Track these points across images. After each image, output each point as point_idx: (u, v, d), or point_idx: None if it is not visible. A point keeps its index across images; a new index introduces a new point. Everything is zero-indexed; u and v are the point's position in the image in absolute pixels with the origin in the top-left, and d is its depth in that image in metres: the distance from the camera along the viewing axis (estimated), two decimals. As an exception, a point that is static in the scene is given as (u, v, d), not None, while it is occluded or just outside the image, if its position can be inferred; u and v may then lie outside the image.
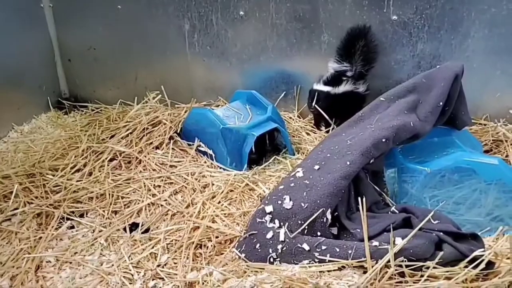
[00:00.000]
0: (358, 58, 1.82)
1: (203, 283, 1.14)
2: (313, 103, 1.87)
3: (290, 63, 2.07)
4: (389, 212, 1.30)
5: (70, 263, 1.28)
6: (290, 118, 2.11)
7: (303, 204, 1.19)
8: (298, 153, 1.84)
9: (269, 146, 1.84)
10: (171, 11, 2.09)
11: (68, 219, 1.47)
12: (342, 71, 1.84)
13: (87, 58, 2.32)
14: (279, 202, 1.22)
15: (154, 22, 2.14)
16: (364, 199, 1.09)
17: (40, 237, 1.37)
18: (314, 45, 2.00)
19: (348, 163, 1.26)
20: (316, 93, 1.86)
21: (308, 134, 2.00)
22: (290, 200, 1.22)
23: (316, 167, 1.29)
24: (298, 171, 1.31)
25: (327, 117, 1.88)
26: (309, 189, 1.22)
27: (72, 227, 1.44)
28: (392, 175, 1.46)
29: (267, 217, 1.20)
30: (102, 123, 2.05)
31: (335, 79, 1.86)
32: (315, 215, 1.17)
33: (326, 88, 1.86)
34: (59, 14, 2.25)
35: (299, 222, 1.17)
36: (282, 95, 2.12)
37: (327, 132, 1.93)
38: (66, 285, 1.19)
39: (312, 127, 2.02)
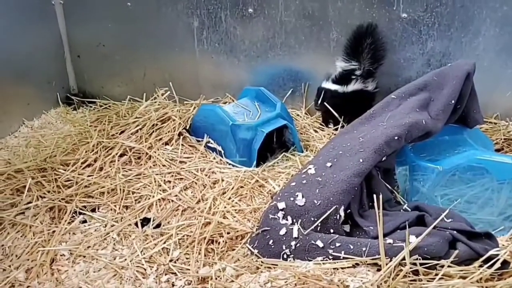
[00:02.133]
0: (366, 56, 1.83)
1: (216, 278, 1.15)
2: (321, 101, 1.87)
3: (298, 60, 2.07)
4: (401, 210, 1.30)
5: (84, 257, 1.29)
6: (298, 115, 2.11)
7: (316, 201, 1.20)
8: (306, 150, 1.85)
9: (276, 143, 1.85)
10: (180, 8, 2.10)
11: (80, 213, 1.48)
12: (351, 69, 1.84)
13: (96, 54, 2.33)
14: (292, 198, 1.23)
15: (163, 19, 2.15)
16: (380, 196, 1.09)
17: (54, 231, 1.39)
18: (322, 43, 2.00)
19: (360, 160, 1.27)
20: (324, 91, 1.86)
21: (316, 131, 2.00)
22: (302, 197, 1.23)
23: (328, 164, 1.30)
24: (309, 168, 1.32)
25: (336, 114, 1.88)
26: (321, 186, 1.23)
27: (85, 221, 1.46)
28: (403, 173, 1.47)
29: (280, 214, 1.21)
30: (111, 119, 2.06)
31: (343, 78, 1.86)
32: (328, 212, 1.18)
33: (335, 87, 1.86)
34: (69, 11, 2.26)
35: (312, 219, 1.18)
36: (290, 92, 2.13)
37: (336, 129, 1.93)
38: (80, 278, 1.20)
39: (321, 124, 2.03)
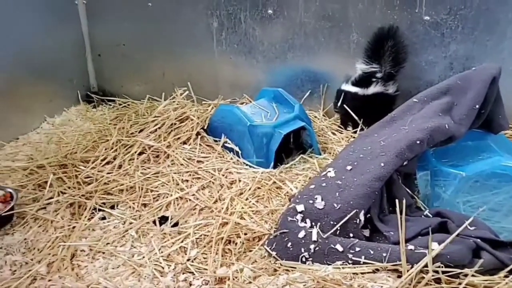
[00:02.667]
0: (387, 59, 1.81)
1: (233, 279, 1.15)
2: (341, 104, 1.85)
3: (317, 62, 2.06)
4: (423, 216, 1.28)
5: (103, 253, 1.31)
6: (316, 117, 2.10)
7: (335, 205, 1.19)
8: (324, 153, 1.83)
9: (293, 144, 1.84)
10: (200, 9, 2.11)
11: (99, 210, 1.50)
12: (371, 72, 1.83)
13: (116, 53, 2.36)
14: (311, 201, 1.22)
15: (182, 20, 2.16)
16: (404, 201, 1.08)
17: (74, 227, 1.41)
18: (342, 45, 1.98)
19: (382, 164, 1.25)
20: (344, 94, 1.85)
21: (334, 134, 1.98)
22: (322, 200, 1.22)
23: (349, 167, 1.29)
24: (329, 171, 1.31)
25: (355, 117, 1.86)
26: (341, 190, 1.22)
27: (104, 218, 1.48)
28: (424, 178, 1.44)
29: (298, 216, 1.21)
30: (130, 117, 2.09)
31: (364, 80, 1.85)
32: (348, 216, 1.16)
33: (355, 89, 1.84)
34: (92, 11, 2.29)
35: (332, 222, 1.17)
36: (308, 93, 2.12)
37: (354, 132, 1.91)
38: (100, 274, 1.22)
39: (339, 127, 2.01)
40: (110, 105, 2.38)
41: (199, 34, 2.17)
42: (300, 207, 1.22)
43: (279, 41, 2.08)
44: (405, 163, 1.32)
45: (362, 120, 1.88)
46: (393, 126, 1.43)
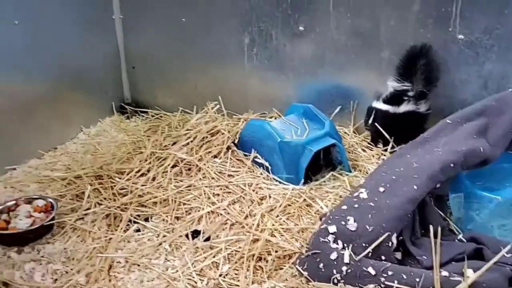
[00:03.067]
0: (419, 77, 1.80)
1: (265, 297, 1.17)
2: (372, 121, 1.86)
3: (347, 78, 2.07)
4: (456, 240, 1.27)
5: (138, 265, 1.35)
6: (346, 133, 2.11)
7: (368, 227, 1.20)
8: (354, 170, 1.84)
9: (323, 161, 1.86)
10: (232, 25, 2.16)
11: (134, 222, 1.55)
12: (403, 90, 1.82)
13: (150, 66, 2.44)
14: (343, 222, 1.23)
15: (215, 35, 2.22)
16: (438, 228, 1.08)
17: (111, 238, 1.46)
18: (373, 62, 1.99)
19: (415, 187, 1.25)
20: (375, 111, 1.85)
21: (364, 150, 1.99)
22: (354, 221, 1.22)
23: (381, 189, 1.29)
24: (361, 192, 1.31)
25: (386, 135, 1.86)
26: (374, 212, 1.23)
27: (138, 230, 1.53)
28: (457, 200, 1.43)
29: (330, 237, 1.22)
30: (163, 129, 2.15)
31: (395, 98, 1.84)
32: (381, 239, 1.17)
33: (386, 107, 1.84)
34: (128, 25, 2.38)
35: (364, 244, 1.18)
36: (338, 109, 2.12)
37: (385, 150, 1.91)
38: (135, 286, 1.26)
39: (369, 143, 2.01)
40: (143, 116, 2.46)
41: (231, 49, 2.22)
42: (332, 228, 1.23)
43: (310, 57, 2.10)
44: (438, 185, 1.31)
45: (393, 138, 1.87)
46: (425, 147, 1.42)
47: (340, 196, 1.64)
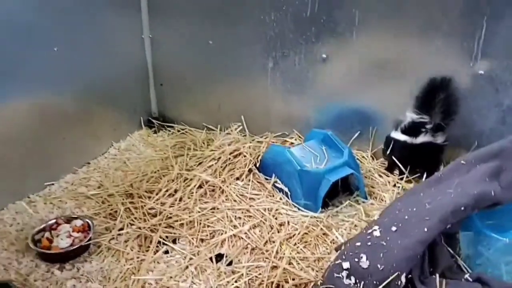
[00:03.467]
0: (438, 111, 1.86)
1: (282, 326, 1.29)
2: (389, 151, 1.93)
3: (367, 104, 2.14)
4: (462, 279, 1.35)
5: (168, 287, 1.49)
6: (363, 157, 2.19)
7: (379, 266, 1.29)
8: (370, 197, 1.93)
9: (340, 187, 1.95)
10: (257, 50, 2.25)
11: (163, 243, 1.69)
12: (421, 122, 1.88)
13: (177, 84, 2.56)
14: (356, 259, 1.33)
15: (240, 58, 2.31)
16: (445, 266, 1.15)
17: (143, 259, 1.60)
18: (393, 90, 2.05)
19: (425, 229, 1.34)
20: (393, 141, 1.92)
21: (380, 176, 2.06)
22: (366, 259, 1.32)
23: (394, 228, 1.38)
24: (375, 229, 1.40)
25: (402, 167, 1.93)
26: (385, 251, 1.32)
27: (167, 252, 1.66)
28: (467, 238, 1.50)
29: (344, 273, 1.32)
30: (189, 147, 2.27)
31: (413, 129, 1.91)
32: (390, 278, 1.26)
33: (404, 137, 1.91)
34: (156, 44, 2.50)
35: (375, 282, 1.27)
36: (357, 134, 2.20)
37: (401, 179, 1.98)
38: (165, 309, 1.40)
39: (386, 169, 2.09)
40: (169, 131, 2.59)
41: (255, 72, 2.31)
42: (346, 265, 1.33)
43: (331, 82, 2.18)
44: (448, 226, 1.39)
45: (409, 167, 1.94)
46: (439, 187, 1.49)
47: (355, 226, 1.73)
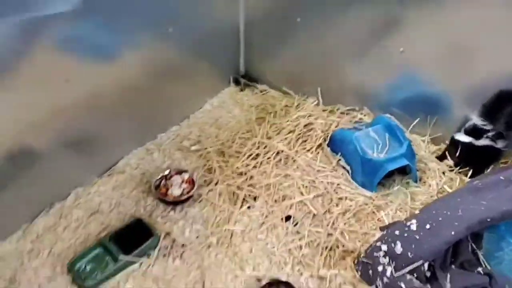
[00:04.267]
0: (502, 122, 2.01)
1: (329, 281, 1.80)
2: (456, 153, 2.15)
3: (437, 91, 2.30)
4: (475, 271, 1.73)
5: (249, 237, 2.03)
6: (422, 140, 2.45)
7: (409, 254, 1.70)
8: (420, 181, 2.25)
9: (396, 169, 2.26)
10: (346, 27, 2.40)
11: (247, 200, 2.21)
12: (484, 128, 2.06)
13: (265, 45, 2.80)
14: (392, 245, 1.75)
15: (332, 33, 2.46)
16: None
17: (232, 212, 2.15)
18: (466, 86, 2.17)
19: (453, 233, 1.69)
20: (457, 142, 2.15)
21: (433, 162, 2.34)
22: (401, 246, 1.73)
23: (428, 226, 1.75)
24: (412, 223, 1.78)
25: (453, 165, 2.19)
26: (417, 244, 1.71)
27: (249, 207, 2.19)
28: (490, 237, 1.83)
29: (381, 253, 1.76)
30: (270, 113, 2.66)
31: (475, 132, 2.09)
32: (416, 264, 1.68)
33: (467, 139, 2.12)
34: (249, 5, 2.68)
35: (403, 265, 1.70)
36: (419, 119, 2.43)
37: (451, 170, 2.25)
38: (245, 254, 1.94)
39: (437, 157, 2.34)
40: (253, 90, 2.98)
41: (341, 46, 2.48)
42: (384, 247, 1.76)
43: (407, 65, 2.31)
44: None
45: (464, 165, 2.18)
46: (476, 196, 1.79)
47: (401, 208, 2.10)
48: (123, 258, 1.88)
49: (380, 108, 2.54)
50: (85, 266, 1.90)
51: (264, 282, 1.82)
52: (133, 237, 1.94)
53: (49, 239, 2.02)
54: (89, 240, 2.02)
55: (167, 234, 2.04)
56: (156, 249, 1.96)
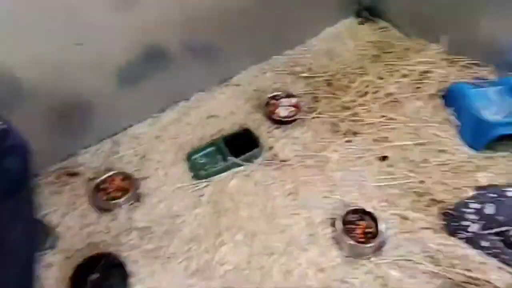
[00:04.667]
0: None
1: (411, 223, 1.93)
2: None
3: None
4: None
5: (345, 167, 2.18)
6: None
7: (499, 217, 1.74)
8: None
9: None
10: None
11: (346, 134, 2.33)
12: None
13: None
14: (485, 205, 1.80)
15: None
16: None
17: (332, 141, 2.28)
18: None
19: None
20: None
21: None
22: (494, 209, 1.77)
23: (521, 194, 1.75)
24: (509, 191, 1.80)
25: None
26: (509, 210, 1.74)
27: (349, 141, 2.31)
28: None
29: (471, 210, 1.82)
30: (386, 52, 2.62)
31: None
32: (503, 228, 1.73)
33: None
34: None
35: (489, 226, 1.76)
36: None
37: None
38: (339, 180, 2.10)
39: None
40: (372, 26, 2.92)
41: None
42: (476, 206, 1.81)
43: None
44: None
45: None
46: None
47: (501, 174, 2.05)
48: (231, 159, 2.18)
49: (509, 68, 2.37)
50: (200, 159, 2.24)
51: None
52: (241, 144, 2.21)
53: (173, 130, 2.39)
54: (205, 138, 2.34)
55: (270, 148, 2.28)
56: (259, 158, 2.22)
